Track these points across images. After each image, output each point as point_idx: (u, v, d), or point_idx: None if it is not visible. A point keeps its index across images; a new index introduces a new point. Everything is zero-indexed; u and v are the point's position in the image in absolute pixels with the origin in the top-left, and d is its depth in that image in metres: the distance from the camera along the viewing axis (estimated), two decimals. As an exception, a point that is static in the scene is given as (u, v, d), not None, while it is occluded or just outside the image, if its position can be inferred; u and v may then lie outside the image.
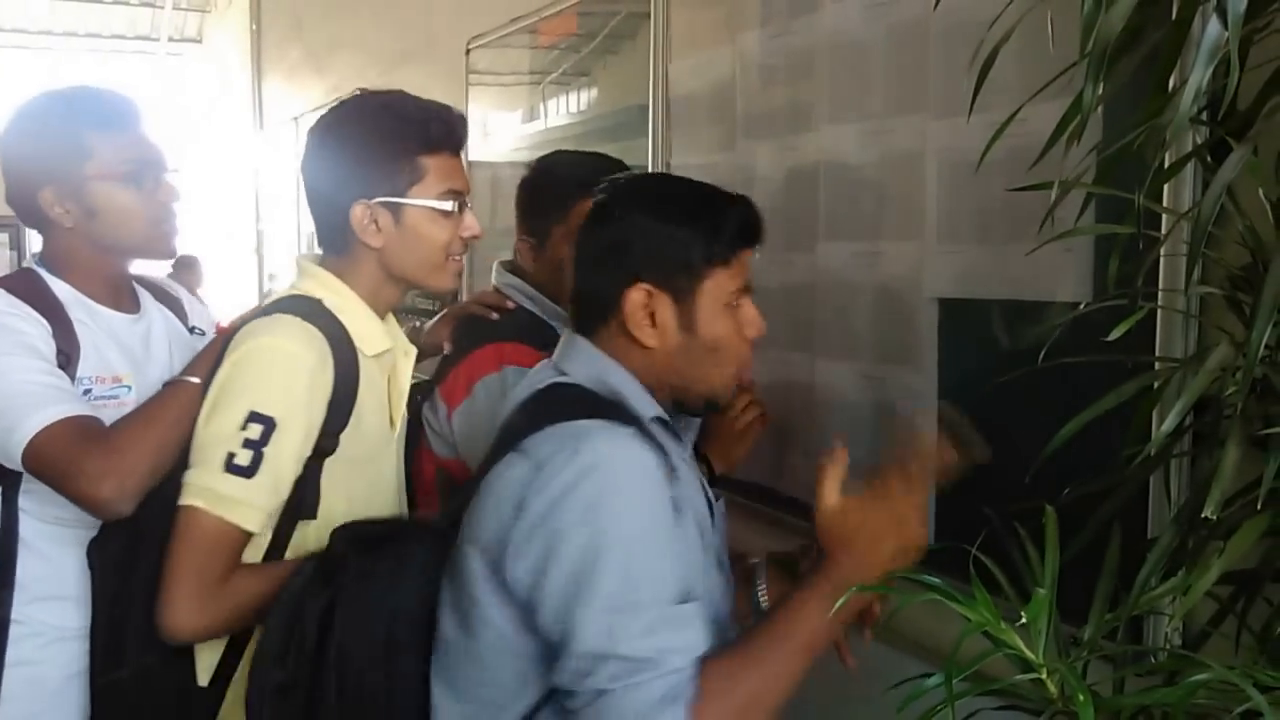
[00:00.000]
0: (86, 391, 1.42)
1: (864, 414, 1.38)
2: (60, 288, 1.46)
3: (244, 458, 1.21)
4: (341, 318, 1.31)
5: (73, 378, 1.41)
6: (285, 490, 1.26)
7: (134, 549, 1.28)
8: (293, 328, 1.26)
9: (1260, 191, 0.90)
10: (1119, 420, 0.91)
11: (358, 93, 1.37)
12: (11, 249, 6.93)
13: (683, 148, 1.87)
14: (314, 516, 1.28)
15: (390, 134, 1.29)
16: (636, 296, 1.11)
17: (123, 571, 1.30)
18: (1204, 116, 0.96)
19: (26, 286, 1.44)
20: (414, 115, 1.30)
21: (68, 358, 1.41)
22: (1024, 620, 0.81)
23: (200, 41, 7.78)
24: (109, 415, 1.36)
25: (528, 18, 2.42)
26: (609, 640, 0.96)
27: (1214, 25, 0.75)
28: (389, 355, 1.38)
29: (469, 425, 1.56)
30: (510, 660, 1.05)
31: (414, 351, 1.44)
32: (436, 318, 1.77)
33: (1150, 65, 0.85)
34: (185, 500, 1.21)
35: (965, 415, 1.28)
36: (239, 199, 5.59)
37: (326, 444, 1.28)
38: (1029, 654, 0.85)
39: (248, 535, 1.23)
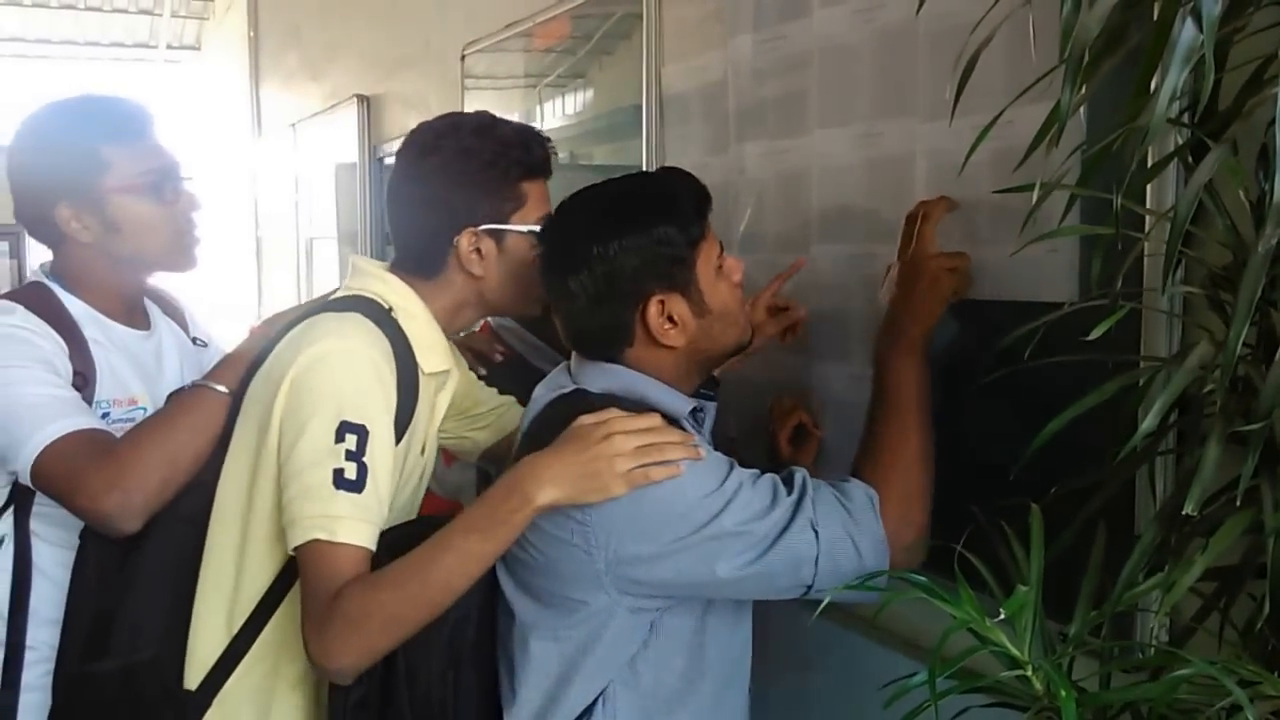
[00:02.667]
0: (105, 415, 1.39)
1: (859, 416, 1.38)
2: (74, 304, 1.42)
3: (351, 471, 1.13)
4: (408, 330, 1.26)
5: (90, 400, 1.37)
6: (388, 502, 1.19)
7: (139, 537, 1.26)
8: (357, 326, 1.21)
9: (1241, 191, 0.91)
10: (1111, 419, 0.92)
11: (446, 117, 1.33)
12: (11, 258, 6.94)
13: (676, 150, 1.89)
14: None
15: (493, 161, 1.26)
16: (654, 310, 1.15)
17: (113, 558, 1.28)
18: (1185, 118, 0.97)
19: (41, 302, 1.40)
20: (514, 140, 1.28)
21: (85, 379, 1.38)
22: (1003, 617, 0.82)
23: (199, 49, 7.80)
24: None
25: (522, 23, 2.43)
26: None
27: (1189, 28, 0.76)
28: (444, 377, 1.34)
29: (465, 479, 1.57)
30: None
31: (460, 377, 1.41)
32: None
33: (1134, 66, 0.87)
34: (304, 537, 1.13)
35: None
36: (237, 205, 5.60)
37: None
38: (1014, 650, 0.86)
39: (370, 554, 1.15)
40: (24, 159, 1.43)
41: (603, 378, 1.18)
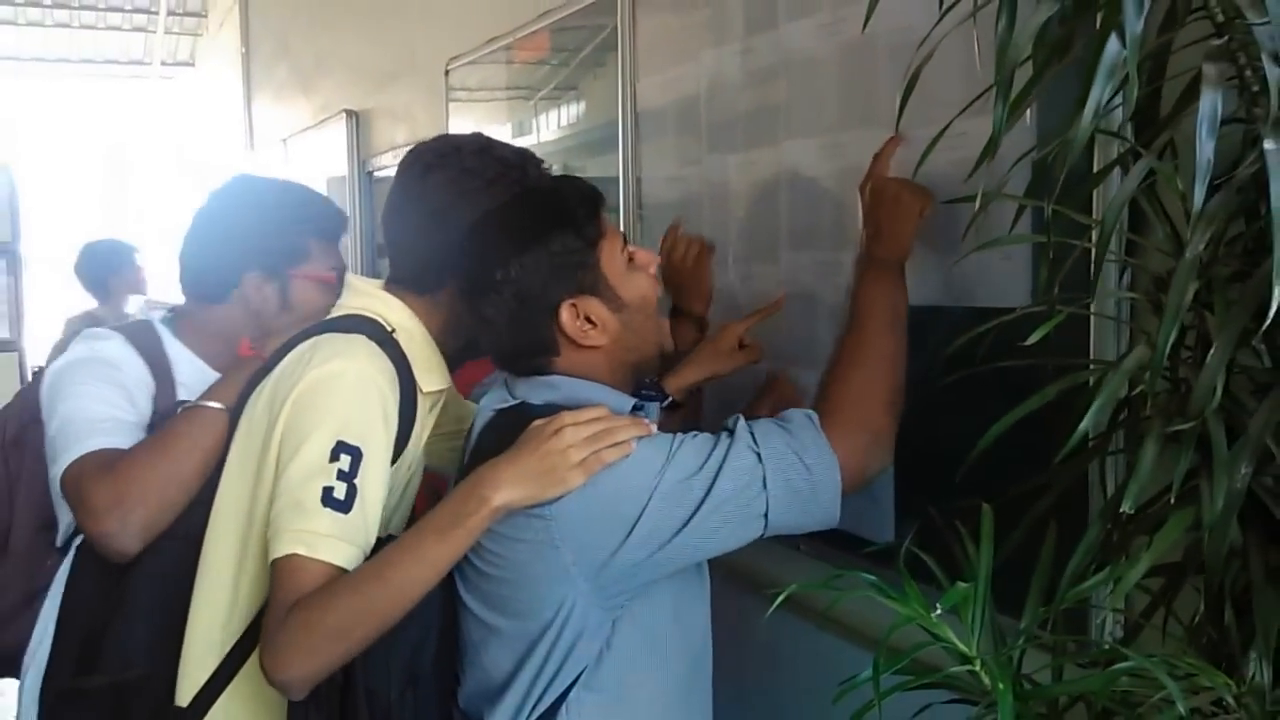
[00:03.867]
0: None
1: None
2: (172, 345, 1.48)
3: (340, 491, 1.14)
4: (408, 350, 1.29)
5: None
6: (376, 525, 1.19)
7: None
8: (363, 349, 1.23)
9: (1181, 200, 0.94)
10: (1064, 422, 0.94)
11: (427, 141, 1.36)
12: (9, 275, 6.95)
13: (652, 162, 1.92)
14: None
15: (495, 179, 1.29)
16: (568, 316, 1.17)
17: (108, 574, 1.29)
18: (1130, 128, 1.00)
19: (141, 337, 1.45)
20: (513, 160, 1.33)
21: (162, 419, 1.40)
22: (939, 611, 0.84)
23: (193, 65, 7.85)
24: None
25: (503, 38, 2.47)
26: None
27: (1113, 43, 0.79)
28: (438, 395, 1.36)
29: None
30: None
31: (451, 397, 1.44)
32: None
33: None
34: (283, 550, 1.13)
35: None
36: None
37: None
38: (960, 645, 0.88)
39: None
40: (233, 224, 1.50)
41: (542, 390, 1.21)
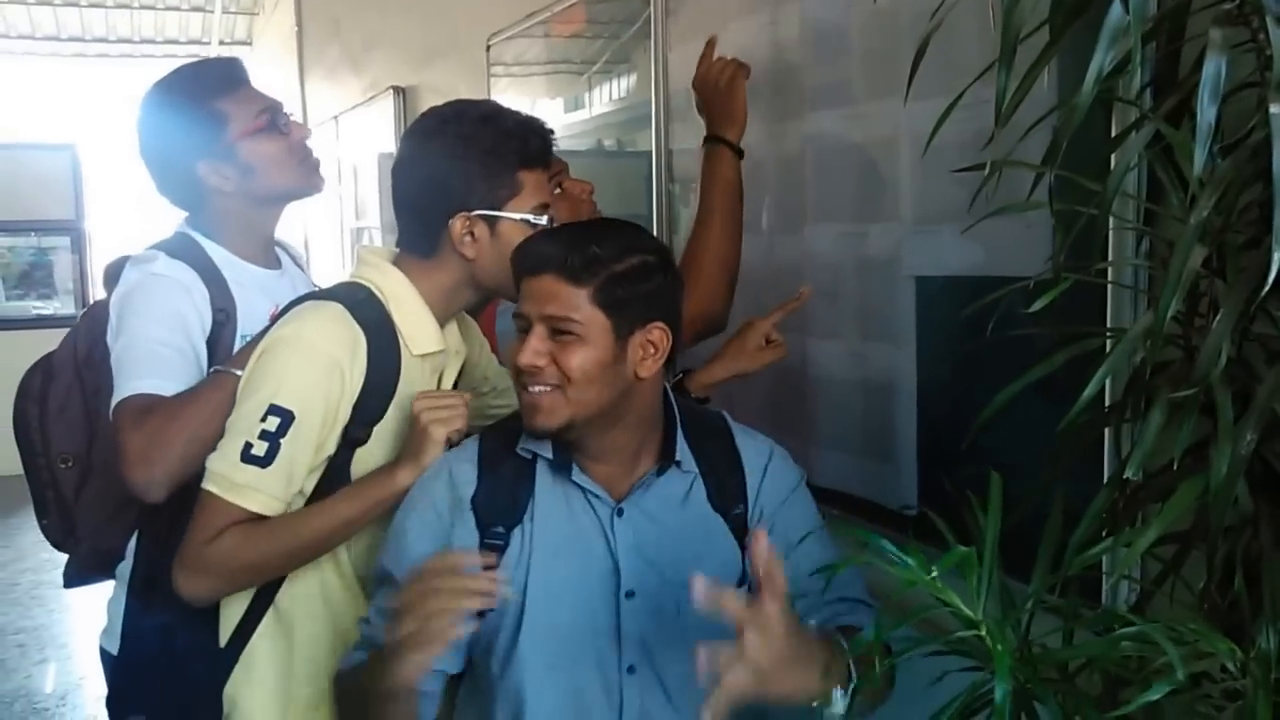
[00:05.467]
0: (245, 339, 1.48)
1: (851, 393, 1.42)
2: (214, 250, 1.53)
3: (260, 449, 1.25)
4: (394, 313, 1.33)
5: (234, 333, 1.48)
6: (300, 479, 1.30)
7: (179, 503, 1.33)
8: (323, 316, 1.29)
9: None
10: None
11: (453, 103, 1.37)
12: (73, 253, 7.14)
13: (683, 137, 1.92)
14: None
15: (492, 149, 1.31)
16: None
17: (164, 530, 1.37)
18: (1148, 94, 0.99)
19: (184, 249, 1.51)
20: (514, 130, 1.33)
21: (227, 315, 1.48)
22: (934, 574, 0.84)
23: (250, 44, 7.97)
24: None
25: (540, 12, 2.49)
26: None
27: (1116, 9, 0.78)
28: (441, 356, 1.40)
29: None
30: None
31: (464, 352, 1.47)
32: None
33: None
34: (207, 484, 1.27)
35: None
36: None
37: (358, 434, 1.31)
38: (965, 610, 0.89)
39: (260, 517, 1.27)
40: (154, 140, 1.54)
41: None
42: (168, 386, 1.39)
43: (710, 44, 1.58)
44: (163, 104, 1.54)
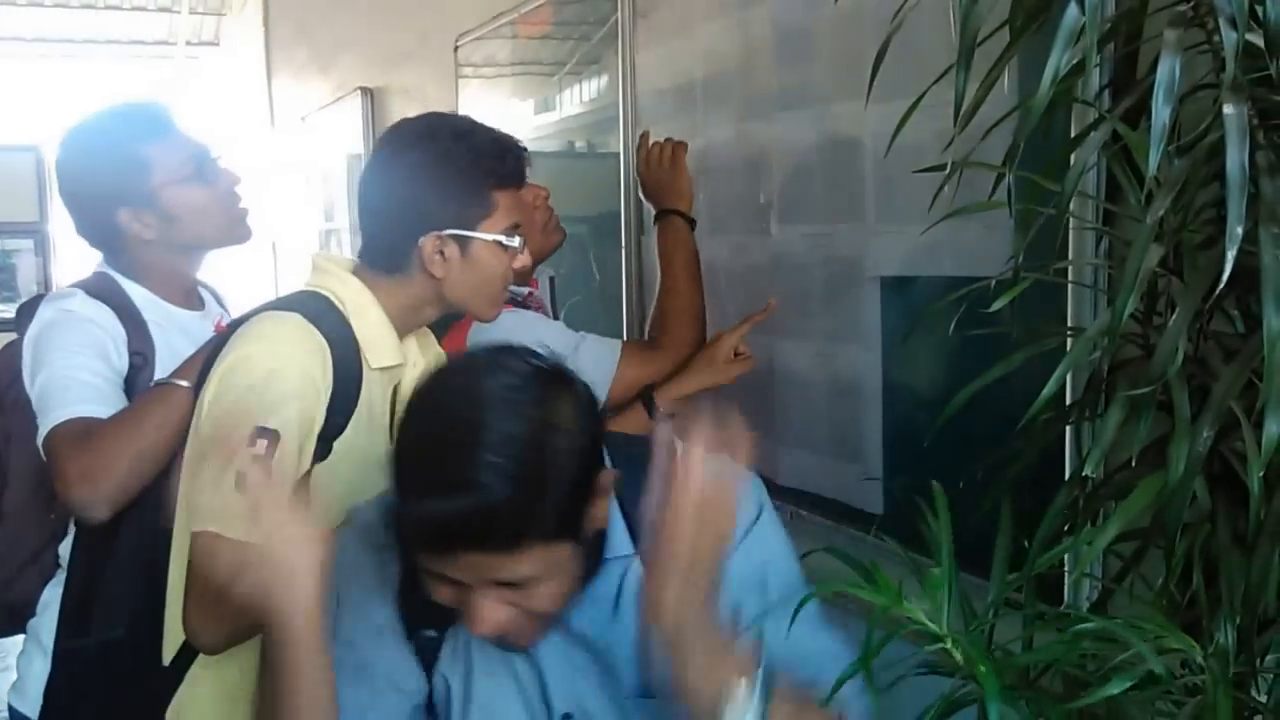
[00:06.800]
0: None
1: (820, 394, 1.43)
2: (134, 290, 1.50)
3: (254, 475, 1.12)
4: (355, 324, 1.28)
5: (151, 377, 1.44)
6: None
7: (116, 520, 1.31)
8: (288, 328, 1.24)
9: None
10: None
11: (424, 115, 1.34)
12: (37, 255, 7.05)
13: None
14: None
15: (466, 167, 1.27)
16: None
17: (102, 541, 1.33)
18: (1106, 95, 1.00)
19: (102, 288, 1.48)
20: (489, 149, 1.29)
21: (144, 358, 1.45)
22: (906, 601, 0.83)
23: (218, 44, 7.90)
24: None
25: (509, 13, 2.48)
26: None
27: (1072, 10, 0.79)
28: (398, 370, 1.35)
29: None
30: None
31: (421, 365, 1.40)
32: None
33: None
34: (202, 525, 1.15)
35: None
36: (255, 198, 5.67)
37: (322, 449, 1.26)
38: (930, 625, 0.89)
39: None
40: (75, 178, 1.51)
41: None
42: (101, 411, 1.36)
43: (644, 136, 1.70)
44: (84, 148, 1.51)
